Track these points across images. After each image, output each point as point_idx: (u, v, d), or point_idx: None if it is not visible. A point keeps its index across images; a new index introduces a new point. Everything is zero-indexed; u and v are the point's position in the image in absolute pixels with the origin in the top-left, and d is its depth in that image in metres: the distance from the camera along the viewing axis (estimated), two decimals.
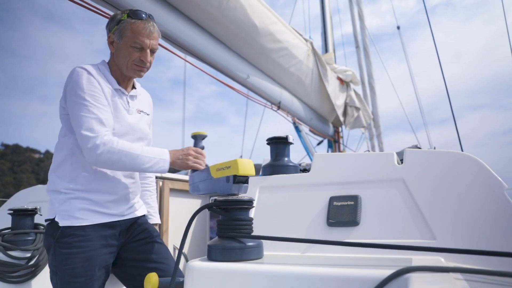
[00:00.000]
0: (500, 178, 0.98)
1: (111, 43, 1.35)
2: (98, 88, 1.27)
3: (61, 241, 1.22)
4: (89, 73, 1.27)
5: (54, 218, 1.24)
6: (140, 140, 1.40)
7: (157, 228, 1.53)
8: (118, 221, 1.33)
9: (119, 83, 1.36)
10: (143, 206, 1.49)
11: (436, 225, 0.99)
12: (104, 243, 1.27)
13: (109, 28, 1.36)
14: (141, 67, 1.35)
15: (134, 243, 1.38)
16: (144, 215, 1.47)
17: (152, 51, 1.36)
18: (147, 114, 1.46)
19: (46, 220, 1.29)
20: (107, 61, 1.41)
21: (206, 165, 1.28)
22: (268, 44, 3.30)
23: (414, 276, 0.64)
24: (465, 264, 0.85)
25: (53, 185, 1.29)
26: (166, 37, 2.48)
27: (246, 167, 0.98)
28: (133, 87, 1.44)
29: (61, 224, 1.22)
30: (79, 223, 1.23)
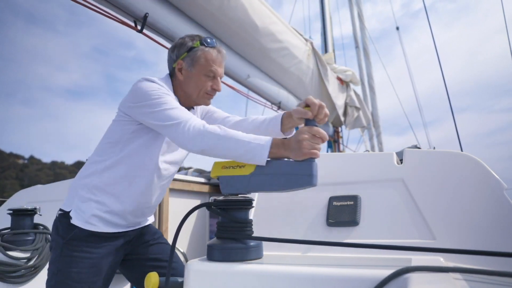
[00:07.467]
0: (499, 178, 0.98)
1: (179, 70, 1.30)
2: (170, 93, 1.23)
3: (71, 243, 1.19)
4: (159, 84, 1.21)
5: (69, 212, 1.21)
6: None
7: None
8: (131, 230, 1.32)
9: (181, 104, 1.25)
10: (152, 215, 1.47)
11: (436, 225, 0.99)
12: (112, 251, 1.26)
13: (176, 54, 1.31)
14: (211, 96, 1.33)
15: (140, 246, 1.38)
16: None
17: (220, 78, 1.34)
18: None
19: (60, 210, 1.25)
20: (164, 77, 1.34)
21: None
22: (269, 44, 3.29)
23: (413, 276, 0.64)
24: (464, 264, 0.85)
25: (85, 178, 1.25)
26: (165, 35, 2.46)
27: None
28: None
29: (73, 222, 1.20)
30: (93, 228, 1.21)
